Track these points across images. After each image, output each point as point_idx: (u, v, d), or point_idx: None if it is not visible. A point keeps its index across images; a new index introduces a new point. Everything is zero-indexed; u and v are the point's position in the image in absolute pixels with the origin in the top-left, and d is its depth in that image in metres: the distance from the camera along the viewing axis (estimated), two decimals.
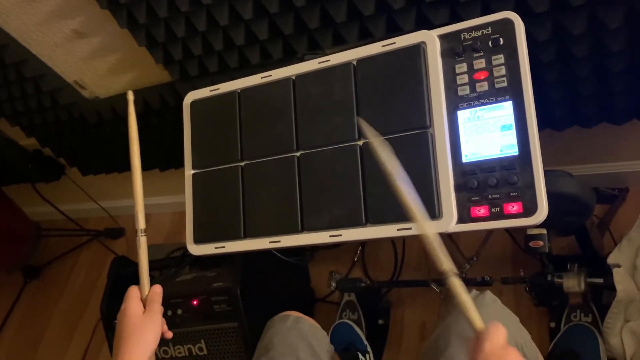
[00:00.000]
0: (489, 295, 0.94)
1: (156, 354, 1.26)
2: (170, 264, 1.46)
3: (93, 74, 1.41)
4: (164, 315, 0.87)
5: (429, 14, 1.01)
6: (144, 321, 0.80)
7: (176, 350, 1.33)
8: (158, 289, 0.85)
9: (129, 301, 0.82)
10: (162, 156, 1.66)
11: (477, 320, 0.66)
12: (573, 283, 1.20)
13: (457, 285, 0.66)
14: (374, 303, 1.53)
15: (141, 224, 0.87)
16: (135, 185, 0.88)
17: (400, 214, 0.82)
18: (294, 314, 1.08)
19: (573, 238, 1.37)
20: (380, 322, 1.51)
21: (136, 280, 1.52)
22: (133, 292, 0.83)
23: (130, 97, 0.91)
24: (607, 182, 1.44)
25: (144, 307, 0.82)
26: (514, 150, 0.79)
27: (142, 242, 0.86)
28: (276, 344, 1.00)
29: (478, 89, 0.82)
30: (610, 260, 1.22)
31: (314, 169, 0.92)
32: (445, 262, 0.66)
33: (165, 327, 0.85)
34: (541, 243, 1.15)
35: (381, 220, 0.85)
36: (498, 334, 0.63)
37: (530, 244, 1.17)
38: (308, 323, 1.06)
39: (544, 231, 1.15)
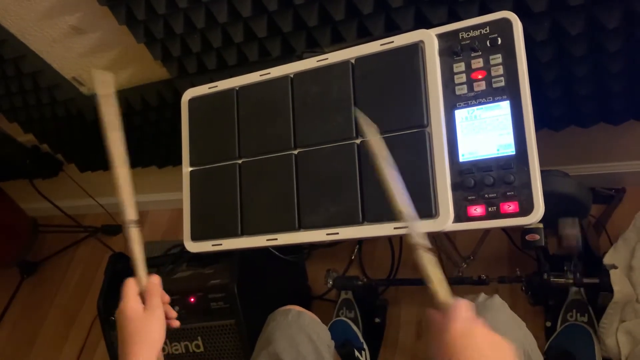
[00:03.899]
0: (497, 299, 0.94)
1: None
2: (167, 261, 1.46)
3: (91, 70, 1.41)
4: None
5: (427, 13, 1.01)
6: (147, 319, 0.75)
7: (173, 347, 1.33)
8: (156, 279, 0.79)
9: (126, 299, 0.76)
10: (160, 153, 1.66)
11: (444, 294, 0.66)
12: (567, 224, 1.19)
13: (425, 258, 0.67)
14: (370, 301, 1.53)
15: (130, 215, 0.81)
16: (120, 174, 0.83)
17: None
18: (296, 308, 1.08)
19: None
20: (377, 320, 1.51)
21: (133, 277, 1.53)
22: (130, 288, 0.77)
23: (101, 76, 0.83)
24: (604, 182, 1.44)
25: (143, 301, 0.77)
26: (510, 150, 0.79)
27: (134, 234, 0.79)
28: (277, 338, 1.00)
29: (476, 89, 0.82)
30: (606, 260, 1.23)
31: (311, 167, 0.92)
32: (417, 235, 0.67)
33: (171, 314, 0.80)
34: (537, 237, 1.15)
35: (378, 219, 0.85)
36: (464, 309, 0.64)
37: (527, 237, 1.17)
38: (309, 317, 1.07)
39: (541, 225, 1.15)
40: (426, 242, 0.67)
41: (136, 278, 0.79)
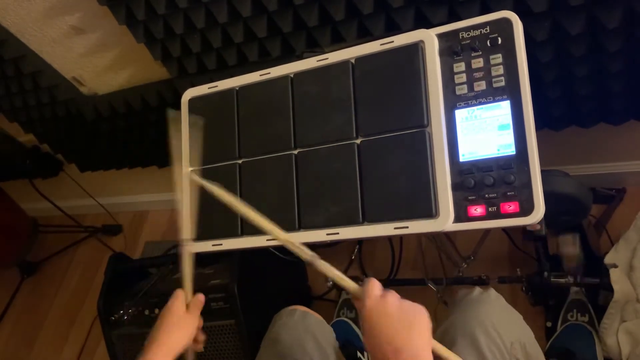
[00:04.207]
0: (492, 292, 0.94)
1: None
2: (167, 261, 1.46)
3: (91, 70, 1.41)
4: None
5: (427, 12, 1.01)
6: (185, 319, 0.86)
7: None
8: (202, 297, 0.90)
9: (174, 300, 0.87)
10: (160, 153, 1.66)
11: (352, 286, 0.75)
12: (569, 245, 1.19)
13: (322, 265, 0.76)
14: None
15: (186, 234, 0.91)
16: (182, 200, 0.93)
17: (398, 213, 0.83)
18: (301, 308, 1.09)
19: None
20: None
21: (133, 277, 1.53)
22: (180, 293, 0.88)
23: (172, 115, 0.96)
24: (604, 182, 1.44)
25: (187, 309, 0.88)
26: (511, 150, 0.79)
27: (186, 252, 0.90)
28: (283, 337, 1.01)
29: (476, 88, 0.82)
30: (607, 260, 1.22)
31: (311, 167, 0.92)
32: (305, 252, 0.77)
33: (200, 337, 0.90)
34: (539, 226, 1.15)
35: (378, 219, 0.85)
36: (372, 288, 0.71)
37: (528, 227, 1.17)
38: (314, 318, 1.08)
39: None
40: (309, 252, 0.77)
41: (184, 290, 0.89)
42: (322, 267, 0.76)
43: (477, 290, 0.95)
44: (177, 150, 0.94)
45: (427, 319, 0.70)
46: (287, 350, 0.99)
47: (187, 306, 0.88)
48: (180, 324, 0.85)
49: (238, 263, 1.29)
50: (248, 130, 0.99)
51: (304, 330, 1.03)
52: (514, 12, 0.81)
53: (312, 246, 1.79)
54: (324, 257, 1.83)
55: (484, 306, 0.90)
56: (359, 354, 1.37)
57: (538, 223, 1.13)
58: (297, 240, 0.92)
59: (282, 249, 1.38)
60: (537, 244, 1.36)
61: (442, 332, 0.91)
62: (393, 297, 0.71)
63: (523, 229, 1.17)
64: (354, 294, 0.74)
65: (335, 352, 1.06)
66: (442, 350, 0.72)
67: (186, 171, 1.04)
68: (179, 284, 1.35)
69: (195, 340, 0.89)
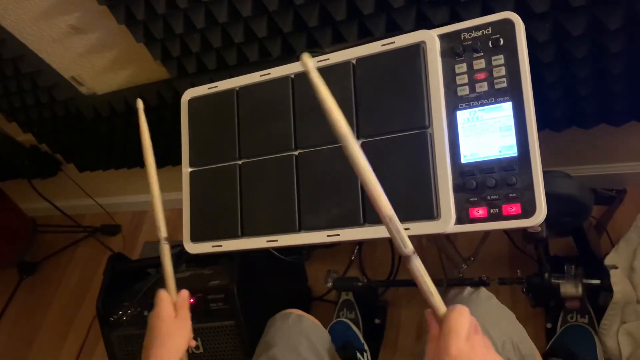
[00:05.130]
0: (483, 292, 0.94)
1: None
2: None
3: (90, 70, 1.41)
4: None
5: (429, 13, 1.00)
6: (177, 325, 0.82)
7: None
8: (186, 294, 0.87)
9: (162, 304, 0.83)
10: (159, 153, 1.64)
11: (440, 306, 0.61)
12: (570, 287, 1.19)
13: (420, 269, 0.61)
14: (370, 302, 1.53)
15: (163, 232, 0.88)
16: (154, 195, 0.88)
17: (399, 214, 0.82)
18: (296, 311, 1.08)
19: (570, 239, 1.37)
20: (377, 321, 1.51)
21: (132, 277, 1.52)
22: (165, 295, 0.84)
23: (140, 105, 0.91)
24: (605, 184, 1.44)
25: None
26: (513, 152, 0.78)
27: (165, 250, 0.87)
28: (278, 341, 1.01)
29: (477, 90, 0.82)
30: (608, 261, 1.22)
31: (312, 168, 0.91)
32: (408, 244, 0.61)
33: (192, 334, 0.86)
34: (539, 228, 1.14)
35: (379, 220, 0.84)
36: (461, 323, 0.58)
37: (529, 229, 1.16)
38: (309, 321, 1.07)
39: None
40: (410, 245, 0.62)
41: (167, 290, 0.86)
42: (415, 270, 0.61)
43: (468, 290, 0.95)
44: (149, 142, 0.90)
45: None
46: (281, 354, 0.98)
47: (174, 306, 0.85)
48: (174, 331, 0.82)
49: (238, 264, 1.28)
50: (248, 130, 0.98)
51: (298, 334, 1.02)
52: (516, 13, 0.81)
53: (312, 247, 1.79)
54: (323, 257, 1.84)
55: (474, 306, 0.90)
56: (358, 355, 1.37)
57: (539, 225, 1.12)
58: (297, 241, 0.92)
59: (282, 249, 1.38)
60: (537, 245, 1.35)
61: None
62: (481, 341, 0.60)
63: (524, 231, 1.17)
64: (436, 315, 0.62)
65: (330, 355, 1.06)
66: None
67: (186, 172, 1.04)
68: (178, 285, 1.35)
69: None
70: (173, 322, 0.82)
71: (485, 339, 0.61)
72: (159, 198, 0.88)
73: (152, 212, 0.87)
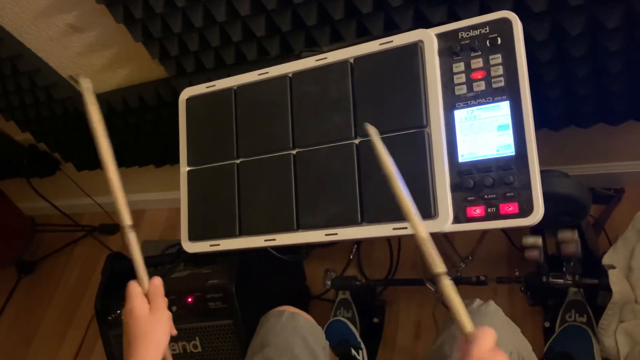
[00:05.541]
0: (492, 305, 0.94)
1: None
2: (165, 261, 1.46)
3: (89, 69, 1.41)
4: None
5: (426, 12, 1.00)
6: (153, 319, 0.77)
7: (170, 347, 1.31)
8: (158, 281, 0.80)
9: (133, 300, 0.77)
10: (157, 152, 1.65)
11: (468, 324, 0.66)
12: (567, 233, 1.19)
13: (450, 288, 0.65)
14: (369, 301, 1.53)
15: (126, 220, 0.81)
16: (113, 182, 0.82)
17: (396, 213, 0.82)
18: (289, 309, 1.07)
19: None
20: (375, 320, 1.51)
21: (131, 276, 1.52)
22: (135, 288, 0.78)
23: (88, 84, 0.84)
24: (603, 183, 1.44)
25: (149, 302, 0.78)
26: (510, 151, 0.79)
27: (132, 238, 0.80)
28: (271, 341, 1.00)
29: (475, 89, 0.82)
30: (605, 260, 1.22)
31: (310, 167, 0.91)
32: (439, 264, 0.65)
33: (171, 322, 0.81)
34: (537, 253, 1.15)
35: (377, 219, 0.85)
36: (487, 338, 0.63)
37: (526, 254, 1.16)
38: (303, 318, 1.06)
39: (539, 241, 1.14)
40: (442, 265, 0.65)
41: (138, 280, 0.80)
42: (445, 289, 0.65)
43: (477, 302, 0.95)
44: (100, 123, 0.83)
45: None
46: (275, 354, 0.97)
47: (147, 297, 0.79)
48: (151, 327, 0.76)
49: (236, 263, 1.28)
50: (246, 129, 0.98)
51: (293, 333, 1.01)
52: (514, 12, 0.81)
53: (311, 246, 1.79)
54: (321, 256, 1.84)
55: (484, 318, 0.90)
56: (353, 352, 1.37)
57: (536, 250, 1.12)
58: (295, 240, 0.92)
59: (280, 248, 1.38)
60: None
61: (440, 344, 0.91)
62: (503, 358, 0.64)
63: (521, 253, 1.18)
64: (467, 336, 0.66)
65: (326, 353, 1.05)
66: None
67: (184, 171, 1.04)
68: (176, 284, 1.36)
69: None
70: (148, 318, 0.76)
71: (505, 355, 0.64)
72: (118, 184, 0.82)
73: (115, 200, 0.81)
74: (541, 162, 0.77)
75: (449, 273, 0.64)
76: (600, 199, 1.44)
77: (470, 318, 0.66)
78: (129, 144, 1.64)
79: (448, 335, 0.91)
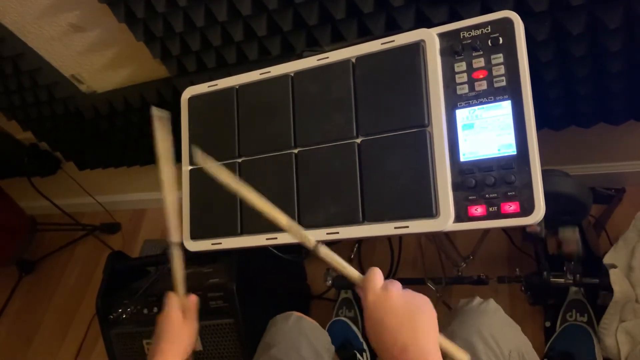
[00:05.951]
0: (492, 303, 0.95)
1: None
2: (166, 260, 1.46)
3: (90, 68, 1.41)
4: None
5: (428, 12, 1.01)
6: (185, 327, 0.85)
7: None
8: (195, 299, 0.89)
9: (171, 306, 0.86)
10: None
11: (354, 274, 0.72)
12: (568, 232, 1.19)
13: (328, 253, 0.73)
14: None
15: (176, 238, 0.88)
16: (168, 201, 0.88)
17: (398, 212, 0.83)
18: (296, 313, 1.10)
19: None
20: None
21: (132, 275, 1.52)
22: (175, 298, 0.87)
23: (157, 113, 0.90)
24: (604, 182, 1.44)
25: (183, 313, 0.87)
26: (512, 150, 0.79)
27: (176, 255, 0.88)
28: (278, 342, 1.02)
29: (477, 88, 0.82)
30: (606, 260, 1.23)
31: (311, 166, 0.91)
32: (310, 239, 0.73)
33: (198, 336, 0.91)
34: (538, 228, 1.15)
35: (378, 218, 0.85)
36: (375, 279, 0.68)
37: (528, 229, 1.16)
38: (309, 322, 1.08)
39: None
40: (312, 239, 0.74)
41: (176, 293, 0.88)
42: (324, 255, 0.73)
43: (477, 300, 0.95)
44: (165, 150, 0.90)
45: (432, 311, 0.67)
46: (282, 354, 0.99)
47: (182, 310, 0.87)
48: (182, 332, 0.85)
49: (237, 262, 1.28)
50: (248, 129, 0.98)
51: (299, 335, 1.03)
52: (515, 11, 0.81)
53: None
54: None
55: (483, 316, 0.90)
56: (357, 356, 1.37)
57: (537, 224, 1.12)
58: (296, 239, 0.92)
59: (281, 247, 1.38)
60: (536, 244, 1.36)
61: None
62: (396, 289, 0.67)
63: (523, 229, 1.18)
64: (357, 284, 0.72)
65: (330, 355, 1.06)
66: (448, 345, 0.69)
67: (185, 169, 1.04)
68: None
69: None
70: (180, 324, 0.85)
71: (408, 290, 0.68)
72: (173, 203, 0.89)
73: (168, 217, 0.87)
74: (542, 161, 0.77)
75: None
76: (601, 199, 1.44)
77: (355, 269, 0.72)
78: (130, 143, 1.64)
79: (449, 333, 0.92)
